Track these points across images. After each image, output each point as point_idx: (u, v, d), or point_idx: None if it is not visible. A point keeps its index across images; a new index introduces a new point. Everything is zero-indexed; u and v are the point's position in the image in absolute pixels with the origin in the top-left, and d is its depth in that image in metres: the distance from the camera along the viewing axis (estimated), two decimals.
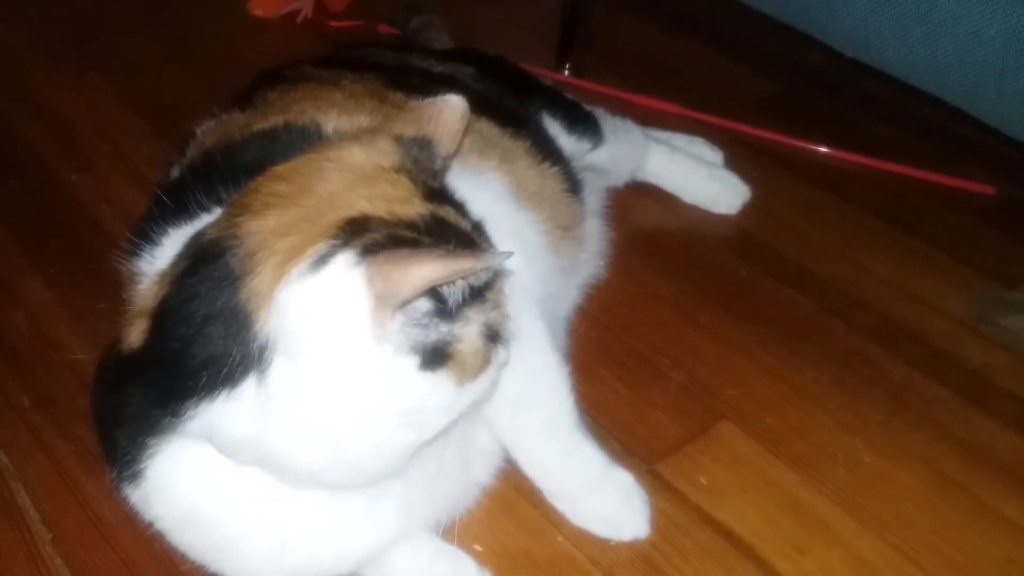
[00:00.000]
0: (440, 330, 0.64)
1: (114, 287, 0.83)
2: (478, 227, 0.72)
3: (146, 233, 0.79)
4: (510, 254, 0.65)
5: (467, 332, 0.66)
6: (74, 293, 1.15)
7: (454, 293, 0.64)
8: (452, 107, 0.74)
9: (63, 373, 1.04)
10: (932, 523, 0.95)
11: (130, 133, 1.47)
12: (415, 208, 0.66)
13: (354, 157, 0.69)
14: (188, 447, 0.70)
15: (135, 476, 0.72)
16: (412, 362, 0.64)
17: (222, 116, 0.99)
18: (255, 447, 0.66)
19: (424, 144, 0.72)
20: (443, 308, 0.64)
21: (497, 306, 0.70)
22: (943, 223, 1.36)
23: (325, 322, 0.62)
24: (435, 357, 0.64)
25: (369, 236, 0.63)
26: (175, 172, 0.90)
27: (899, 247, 1.32)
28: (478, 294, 0.66)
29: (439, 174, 0.73)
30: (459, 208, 0.72)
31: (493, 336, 0.69)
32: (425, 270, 0.60)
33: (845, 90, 1.62)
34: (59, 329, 1.11)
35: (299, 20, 1.80)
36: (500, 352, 0.70)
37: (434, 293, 0.62)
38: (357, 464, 0.67)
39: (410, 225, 0.65)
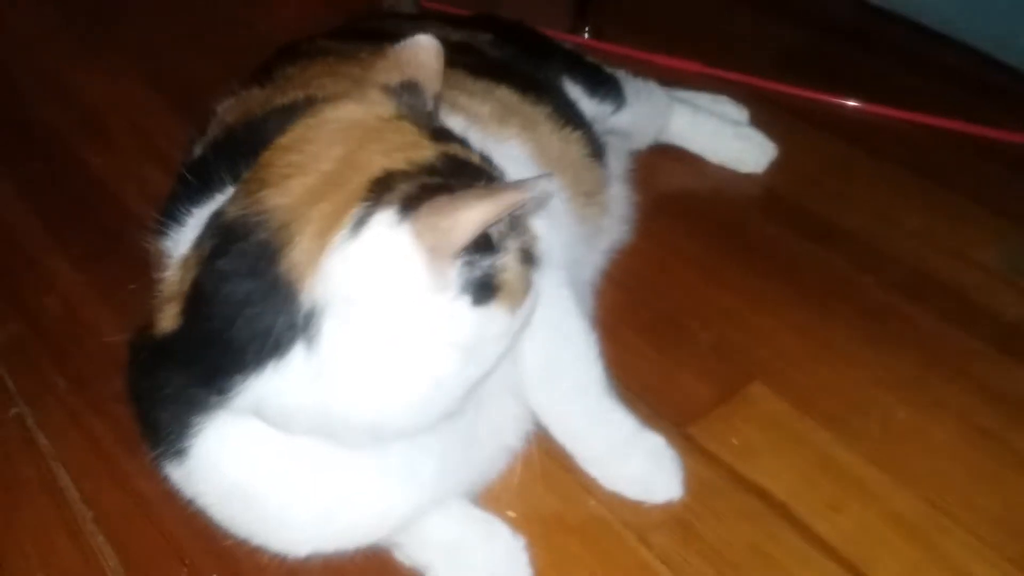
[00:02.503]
0: (483, 265, 0.65)
1: (143, 267, 0.83)
2: (486, 158, 0.72)
3: (172, 213, 0.79)
4: (549, 175, 0.65)
5: (507, 261, 0.67)
6: (103, 274, 1.16)
7: (499, 228, 0.64)
8: (426, 47, 0.74)
9: (97, 354, 1.06)
10: (968, 476, 0.94)
11: (152, 113, 1.48)
12: (428, 151, 0.67)
13: (353, 114, 0.69)
14: (233, 423, 0.71)
15: (179, 454, 0.73)
16: (465, 301, 0.64)
17: (242, 93, 0.99)
18: (312, 412, 0.67)
19: (411, 88, 0.72)
20: (488, 244, 0.64)
21: (526, 229, 0.71)
22: (975, 174, 1.34)
23: (379, 282, 0.63)
24: (485, 291, 0.65)
25: (400, 191, 0.63)
26: (197, 150, 0.91)
27: (930, 199, 1.29)
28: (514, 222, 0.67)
29: (433, 115, 0.74)
30: (463, 143, 0.72)
31: (527, 258, 0.70)
32: (474, 214, 0.60)
33: (871, 41, 1.59)
34: (90, 310, 1.12)
35: None
36: (535, 273, 0.71)
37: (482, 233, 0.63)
38: (424, 405, 0.68)
39: (430, 168, 0.65)
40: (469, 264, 0.64)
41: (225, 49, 1.62)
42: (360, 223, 0.62)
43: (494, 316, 0.67)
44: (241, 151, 0.78)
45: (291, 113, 0.72)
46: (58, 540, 0.88)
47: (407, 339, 0.64)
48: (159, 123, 1.44)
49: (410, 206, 0.62)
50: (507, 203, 0.61)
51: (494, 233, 0.65)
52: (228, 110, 0.96)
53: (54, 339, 1.09)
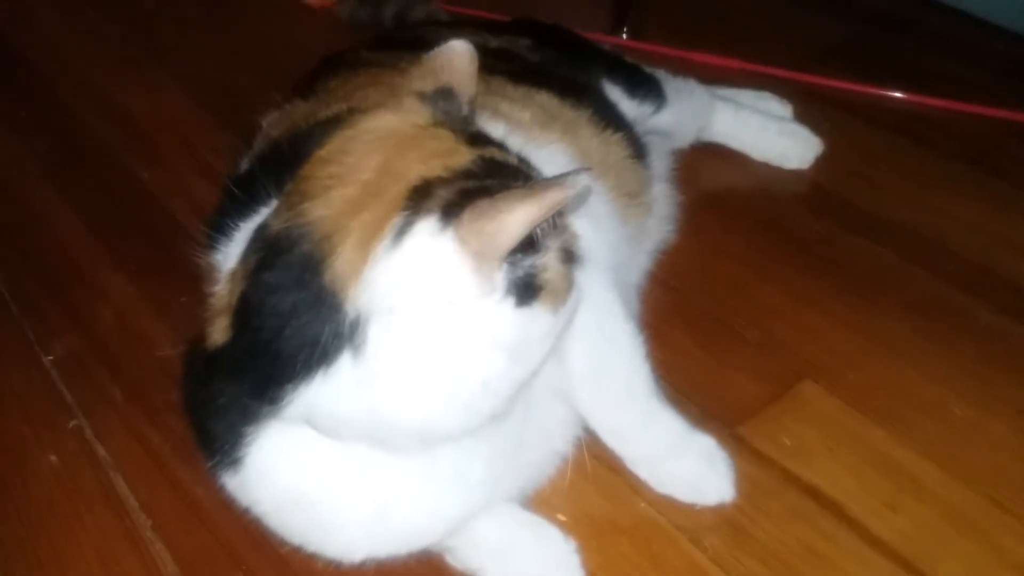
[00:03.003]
0: (525, 265, 0.65)
1: (193, 280, 0.85)
2: (523, 160, 0.72)
3: (220, 227, 0.80)
4: (588, 169, 0.64)
5: (548, 260, 0.67)
6: (156, 287, 1.19)
7: (542, 227, 0.64)
8: (459, 52, 0.74)
9: (151, 366, 1.08)
10: None
11: (196, 125, 1.50)
12: (464, 156, 0.67)
13: (389, 123, 0.70)
14: (285, 432, 0.72)
15: (234, 464, 0.75)
16: (509, 302, 0.65)
17: (286, 106, 1.00)
18: (361, 419, 0.67)
19: (446, 94, 0.73)
20: (531, 244, 0.65)
21: (566, 228, 0.70)
22: None
23: (424, 289, 0.63)
24: (528, 291, 0.66)
25: (439, 197, 0.63)
26: (244, 164, 0.92)
27: (982, 190, 1.27)
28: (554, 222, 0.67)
29: (469, 119, 0.74)
30: (500, 146, 0.72)
31: (568, 257, 0.70)
32: (518, 216, 0.61)
33: (914, 30, 1.56)
34: (144, 323, 1.15)
35: None
36: (575, 271, 0.71)
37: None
38: (472, 407, 0.68)
39: (467, 174, 0.66)
40: (512, 265, 0.64)
41: (264, 60, 1.64)
42: (401, 232, 0.63)
43: (537, 316, 0.67)
44: (286, 164, 0.79)
45: (335, 125, 0.73)
46: (118, 548, 0.90)
47: (453, 343, 0.65)
48: (204, 136, 1.47)
49: (451, 213, 0.62)
50: (551, 202, 0.61)
51: (536, 233, 0.64)
52: (273, 124, 0.97)
53: (110, 352, 1.11)
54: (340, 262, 0.64)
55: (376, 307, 0.63)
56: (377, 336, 0.64)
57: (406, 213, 0.63)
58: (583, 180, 0.63)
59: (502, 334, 0.66)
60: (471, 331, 0.65)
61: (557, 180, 0.62)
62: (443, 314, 0.64)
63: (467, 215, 0.62)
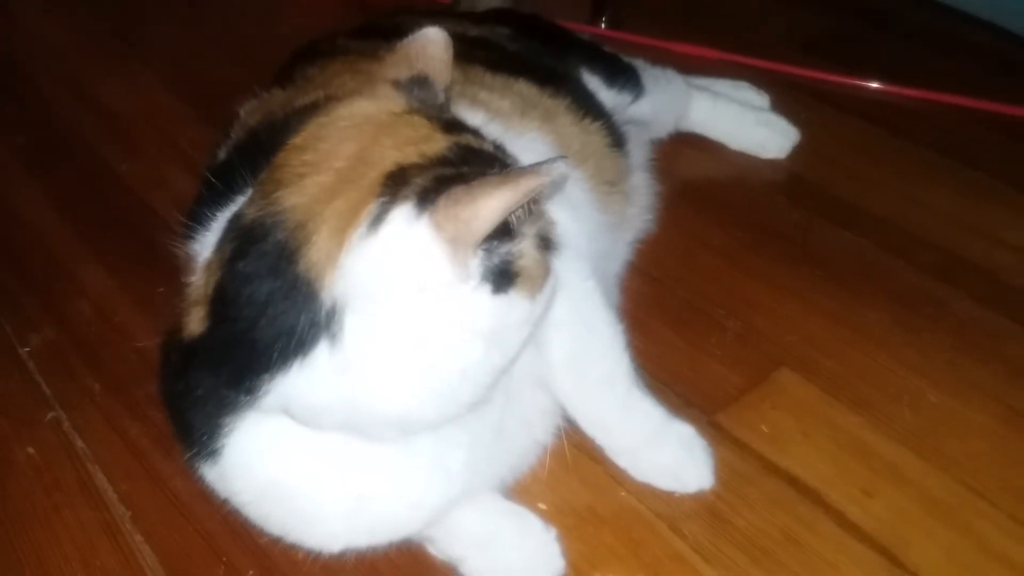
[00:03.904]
0: (501, 252, 0.65)
1: (172, 271, 0.84)
2: (499, 146, 0.72)
3: (197, 216, 0.80)
4: (564, 158, 0.64)
5: (524, 247, 0.67)
6: (134, 279, 1.18)
7: (517, 214, 0.64)
8: (434, 40, 0.74)
9: (130, 358, 1.07)
10: (1004, 458, 0.93)
11: (176, 118, 1.49)
12: (440, 143, 0.67)
13: (364, 109, 0.70)
14: (263, 422, 0.72)
15: (212, 455, 0.74)
16: (486, 289, 0.65)
17: (264, 95, 1.00)
18: (339, 408, 0.67)
19: (422, 82, 0.73)
20: (507, 231, 0.64)
21: (542, 214, 0.70)
22: (1003, 153, 1.32)
23: (400, 276, 0.63)
24: (504, 278, 0.65)
25: (415, 184, 0.63)
26: (222, 154, 0.91)
27: (958, 181, 1.28)
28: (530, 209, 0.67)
29: (444, 106, 0.74)
30: (476, 133, 0.72)
31: (545, 244, 0.70)
32: (494, 202, 0.61)
33: (892, 21, 1.57)
34: (123, 315, 1.14)
35: None
36: (552, 258, 0.71)
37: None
38: (450, 395, 0.68)
39: (443, 160, 0.65)
40: (488, 252, 0.64)
41: (245, 52, 1.63)
42: (377, 220, 0.63)
43: (514, 303, 0.67)
44: (263, 153, 0.78)
45: (310, 113, 0.72)
46: (97, 540, 0.90)
47: (430, 331, 0.65)
48: (182, 128, 1.46)
49: (427, 199, 0.62)
50: (526, 188, 0.61)
51: (512, 219, 0.64)
52: (251, 112, 0.97)
53: (88, 344, 1.10)
54: (315, 250, 0.63)
55: (352, 295, 0.63)
56: (354, 324, 0.64)
57: (382, 200, 0.63)
58: (560, 168, 0.63)
59: (480, 321, 0.65)
60: (448, 318, 0.65)
61: (533, 167, 0.62)
62: (420, 301, 0.64)
63: (443, 201, 0.62)
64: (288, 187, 0.66)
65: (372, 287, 0.63)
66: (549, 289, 0.71)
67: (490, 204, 0.61)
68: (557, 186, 0.64)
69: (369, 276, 0.63)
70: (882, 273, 1.15)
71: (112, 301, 1.16)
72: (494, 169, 0.66)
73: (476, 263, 0.64)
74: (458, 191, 0.62)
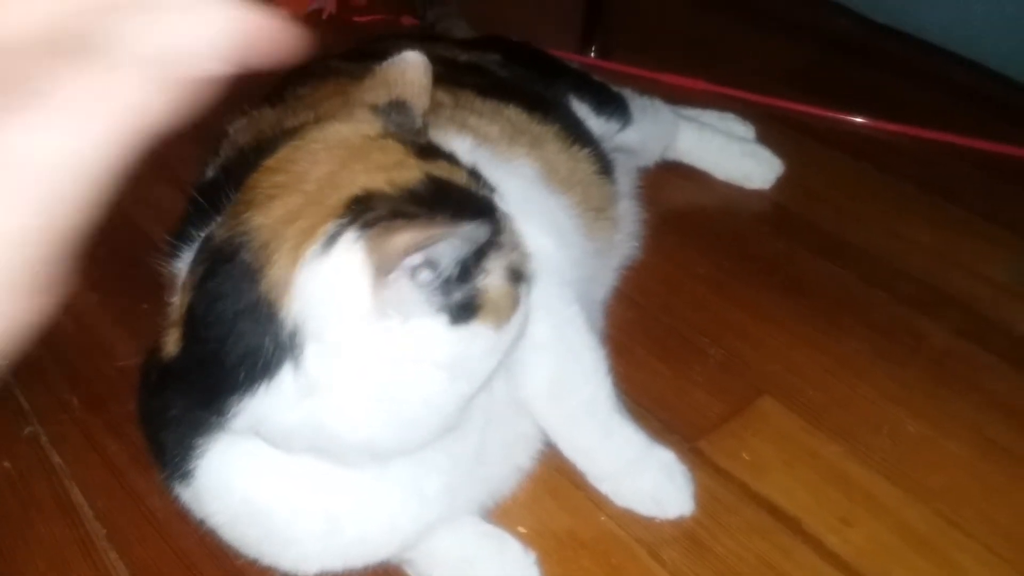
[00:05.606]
0: (463, 287, 0.65)
1: (155, 288, 0.84)
2: (474, 173, 0.71)
3: (183, 235, 0.80)
4: (483, 223, 0.64)
5: (490, 281, 0.66)
6: (117, 295, 1.17)
7: (445, 256, 0.63)
8: (413, 64, 0.74)
9: (110, 375, 1.07)
10: (981, 490, 0.94)
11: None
12: (412, 171, 0.66)
13: (339, 133, 0.69)
14: (235, 443, 0.71)
15: (185, 476, 0.74)
16: (440, 320, 0.64)
17: (254, 114, 1.00)
18: (307, 431, 0.66)
19: (399, 106, 0.72)
20: (453, 270, 0.64)
21: (515, 247, 0.70)
22: (982, 188, 1.34)
23: (343, 299, 0.62)
24: (464, 311, 0.65)
25: (373, 212, 0.62)
26: (209, 172, 0.92)
27: (938, 214, 1.30)
28: (490, 245, 0.66)
29: (422, 131, 0.73)
30: (451, 159, 0.71)
31: (516, 276, 0.69)
32: (399, 239, 0.60)
33: (876, 57, 1.60)
34: (104, 331, 1.13)
35: (324, 16, 1.82)
36: (525, 289, 0.70)
37: (428, 259, 0.62)
38: (415, 423, 0.68)
39: (412, 193, 0.64)
40: (436, 289, 0.63)
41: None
42: (331, 240, 0.62)
43: (477, 333, 0.66)
44: (251, 172, 0.78)
45: (291, 136, 0.72)
46: (72, 557, 0.89)
47: (385, 358, 0.64)
48: (170, 145, 1.45)
49: (369, 225, 0.62)
50: (430, 235, 0.60)
51: (442, 260, 0.63)
52: (240, 131, 0.97)
53: (68, 359, 1.10)
54: (275, 269, 0.63)
55: (308, 316, 0.62)
56: (313, 348, 0.63)
57: (341, 221, 0.62)
58: (471, 232, 0.62)
59: (438, 352, 0.65)
60: (401, 347, 0.64)
61: (451, 222, 0.62)
62: (363, 327, 0.63)
63: (376, 229, 0.61)
64: (257, 208, 0.65)
65: (324, 308, 0.62)
66: (519, 320, 0.70)
67: (398, 239, 0.60)
68: (473, 242, 0.64)
69: (320, 297, 0.62)
70: (864, 304, 1.16)
71: (95, 317, 1.16)
72: (457, 205, 0.65)
73: (391, 294, 0.62)
74: (393, 224, 0.61)
